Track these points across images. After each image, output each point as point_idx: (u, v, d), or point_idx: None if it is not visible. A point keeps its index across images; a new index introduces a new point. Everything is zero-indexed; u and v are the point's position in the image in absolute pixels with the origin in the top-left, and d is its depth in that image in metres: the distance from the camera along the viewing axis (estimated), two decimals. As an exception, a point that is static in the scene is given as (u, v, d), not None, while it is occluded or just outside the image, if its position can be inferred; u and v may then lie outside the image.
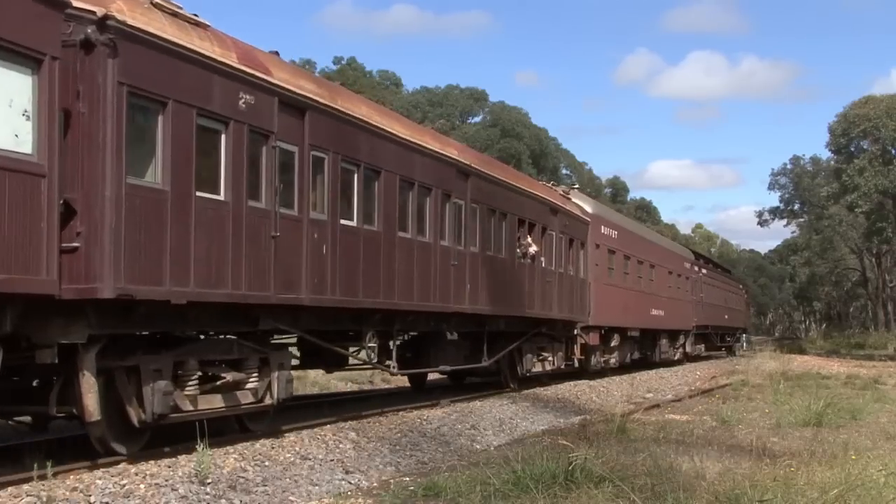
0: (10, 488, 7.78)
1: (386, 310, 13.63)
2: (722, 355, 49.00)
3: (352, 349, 14.16)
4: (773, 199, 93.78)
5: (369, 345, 13.52)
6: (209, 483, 8.54)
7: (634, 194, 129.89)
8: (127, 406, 9.21)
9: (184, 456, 9.71)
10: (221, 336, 10.98)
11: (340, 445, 11.44)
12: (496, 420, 15.29)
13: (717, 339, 48.33)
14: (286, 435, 11.86)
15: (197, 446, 9.04)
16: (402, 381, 20.56)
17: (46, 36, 7.86)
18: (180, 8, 9.68)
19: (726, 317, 50.97)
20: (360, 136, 12.79)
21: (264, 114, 10.61)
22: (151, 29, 8.91)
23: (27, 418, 10.22)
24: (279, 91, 10.91)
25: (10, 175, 7.50)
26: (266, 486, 8.80)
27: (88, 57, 8.37)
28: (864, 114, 56.73)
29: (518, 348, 19.65)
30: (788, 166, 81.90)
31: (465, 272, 16.19)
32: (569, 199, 24.47)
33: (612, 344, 26.83)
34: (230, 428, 11.23)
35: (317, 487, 9.00)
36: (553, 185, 25.75)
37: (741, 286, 64.33)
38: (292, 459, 10.23)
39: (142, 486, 8.28)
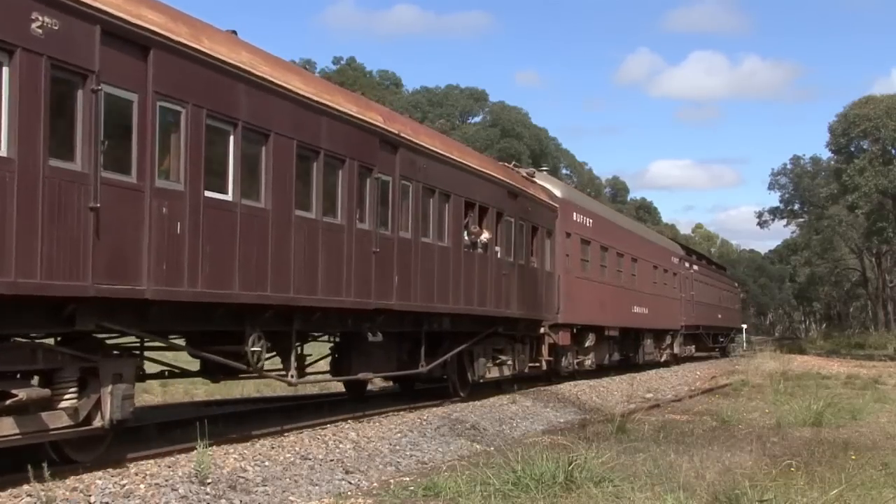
0: (10, 488, 7.78)
1: (279, 306, 11.07)
2: (715, 356, 47.91)
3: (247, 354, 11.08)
4: (774, 200, 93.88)
5: (253, 348, 10.83)
6: (209, 483, 8.54)
7: (635, 194, 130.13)
8: None
9: (184, 456, 9.71)
10: (24, 339, 8.54)
11: (340, 445, 11.44)
12: (496, 420, 15.28)
13: (710, 340, 46.19)
14: (286, 435, 11.87)
15: (197, 446, 9.04)
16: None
17: None
18: None
19: (719, 316, 48.81)
20: (237, 88, 10.21)
21: (78, 46, 8.08)
22: None
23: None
24: (103, 17, 8.31)
25: None
26: (266, 486, 8.80)
27: None
28: (864, 114, 56.72)
29: (468, 351, 17.26)
30: (788, 166, 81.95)
31: (392, 262, 13.60)
32: (533, 181, 21.62)
33: (587, 344, 24.29)
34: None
35: (317, 487, 9.00)
36: (515, 165, 22.59)
37: (736, 284, 62.10)
38: (292, 459, 10.23)
39: (142, 486, 8.28)
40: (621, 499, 7.38)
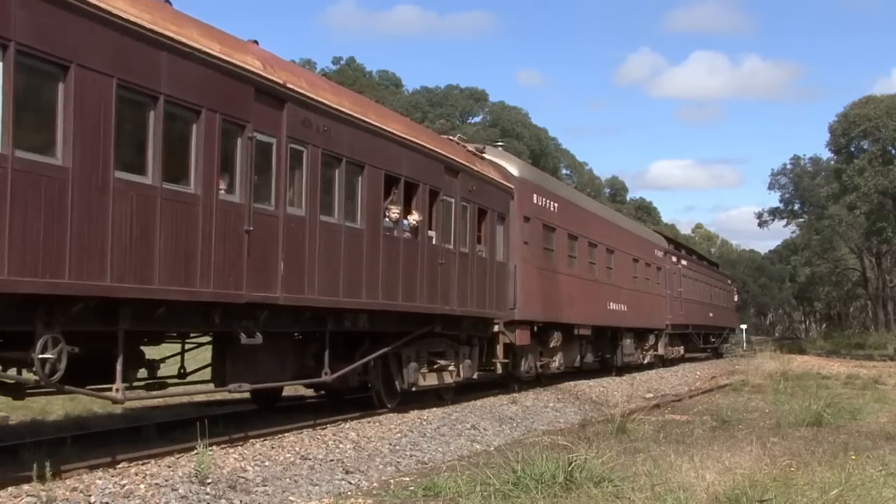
0: (10, 488, 7.78)
1: (90, 297, 8.47)
2: (708, 357, 46.43)
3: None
4: (774, 200, 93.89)
5: (42, 356, 8.08)
6: (209, 483, 8.54)
7: (636, 194, 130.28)
8: None
9: (184, 456, 9.72)
10: None
11: (340, 445, 11.45)
12: (496, 420, 15.29)
13: (700, 340, 43.20)
14: (286, 435, 11.88)
15: (197, 446, 9.05)
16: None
17: None
18: None
19: (711, 315, 45.79)
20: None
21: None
22: None
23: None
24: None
25: None
26: (266, 486, 8.81)
27: None
28: (864, 114, 56.70)
29: (395, 354, 14.66)
30: (788, 166, 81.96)
31: (275, 244, 10.82)
32: (482, 157, 18.58)
33: (553, 344, 21.47)
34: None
35: (317, 487, 9.00)
36: (460, 138, 19.03)
37: (730, 281, 58.98)
38: (292, 459, 10.24)
39: (142, 486, 8.29)
40: (621, 499, 7.38)
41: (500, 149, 22.29)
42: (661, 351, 34.03)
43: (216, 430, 10.56)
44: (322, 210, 11.89)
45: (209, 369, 11.78)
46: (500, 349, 18.71)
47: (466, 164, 16.78)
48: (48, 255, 7.83)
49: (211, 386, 11.76)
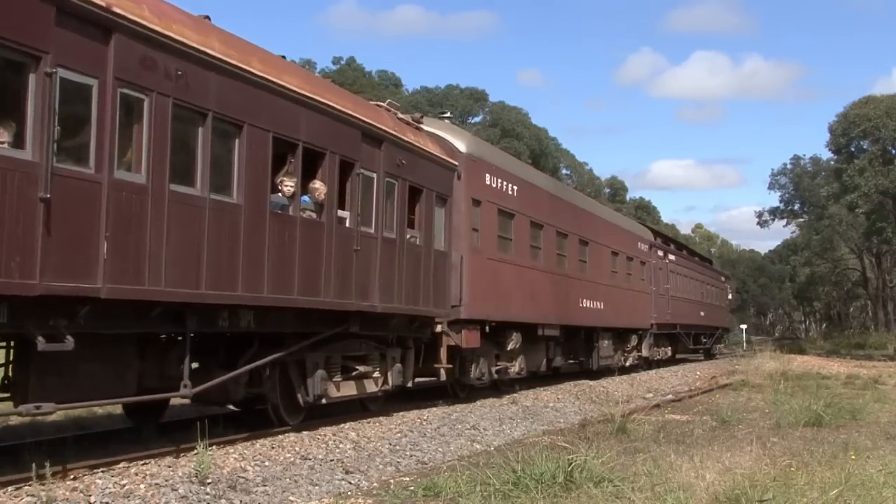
0: (10, 488, 7.78)
1: None
2: (698, 358, 44.93)
3: None
4: (774, 200, 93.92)
5: None
6: (209, 483, 8.55)
7: (637, 194, 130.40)
8: None
9: (184, 456, 9.73)
10: None
11: (340, 445, 11.46)
12: (496, 420, 15.29)
13: (690, 341, 40.58)
14: (286, 435, 11.88)
15: (197, 446, 9.05)
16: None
17: None
18: None
19: (702, 314, 43.21)
20: None
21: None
22: None
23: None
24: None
25: None
26: (266, 486, 8.81)
27: None
28: (864, 114, 56.68)
29: (297, 360, 12.15)
30: (789, 166, 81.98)
31: (95, 220, 8.29)
32: (418, 128, 15.79)
33: (511, 346, 18.91)
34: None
35: (317, 487, 9.00)
36: (389, 104, 15.38)
37: (723, 278, 55.82)
38: (292, 459, 10.24)
39: (142, 486, 8.29)
40: (621, 499, 7.38)
41: (446, 121, 19.10)
42: (645, 352, 31.64)
43: (216, 429, 10.57)
44: (175, 178, 9.25)
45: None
46: (443, 352, 16.12)
47: (394, 132, 13.98)
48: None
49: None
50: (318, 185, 11.94)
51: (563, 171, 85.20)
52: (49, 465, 7.85)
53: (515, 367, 19.78)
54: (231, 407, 12.89)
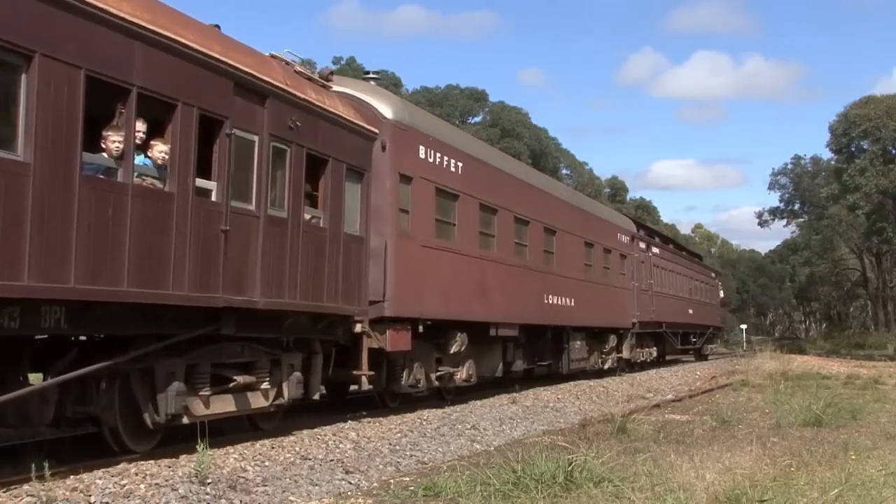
0: (10, 488, 7.78)
1: None
2: (689, 360, 43.53)
3: None
4: (775, 200, 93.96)
5: None
6: (209, 483, 8.55)
7: (638, 194, 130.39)
8: None
9: (184, 456, 9.74)
10: None
11: (340, 445, 11.46)
12: (496, 420, 15.28)
13: (678, 341, 38.32)
14: (286, 435, 11.89)
15: (197, 446, 9.05)
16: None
17: None
18: None
19: (690, 312, 40.68)
20: None
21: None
22: None
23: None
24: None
25: None
26: (266, 486, 8.81)
27: None
28: (864, 114, 56.70)
29: (144, 371, 9.57)
30: (789, 166, 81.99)
31: None
32: (326, 85, 12.96)
33: (455, 349, 16.44)
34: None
35: (317, 487, 9.00)
36: (285, 53, 12.46)
37: (713, 275, 53.10)
38: (292, 459, 10.25)
39: (142, 486, 8.29)
40: (621, 499, 7.38)
41: (371, 84, 16.12)
42: (626, 353, 28.95)
43: (216, 430, 10.57)
44: None
45: None
46: (364, 357, 13.61)
47: (284, 87, 11.22)
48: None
49: None
50: (158, 145, 9.28)
51: (564, 171, 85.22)
52: (49, 465, 7.85)
53: (462, 373, 17.15)
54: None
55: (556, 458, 8.36)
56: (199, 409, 10.32)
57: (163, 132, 9.44)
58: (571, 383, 23.66)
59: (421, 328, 15.01)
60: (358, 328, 13.53)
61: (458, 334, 16.50)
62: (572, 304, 22.91)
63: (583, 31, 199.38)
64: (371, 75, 17.54)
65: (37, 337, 8.77)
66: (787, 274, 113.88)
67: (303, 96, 11.79)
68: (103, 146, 8.70)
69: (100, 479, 8.42)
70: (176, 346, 9.87)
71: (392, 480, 9.19)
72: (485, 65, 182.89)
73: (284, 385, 11.92)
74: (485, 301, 17.51)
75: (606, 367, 27.27)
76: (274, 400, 11.73)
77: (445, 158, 16.25)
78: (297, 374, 12.17)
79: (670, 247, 41.00)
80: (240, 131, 10.40)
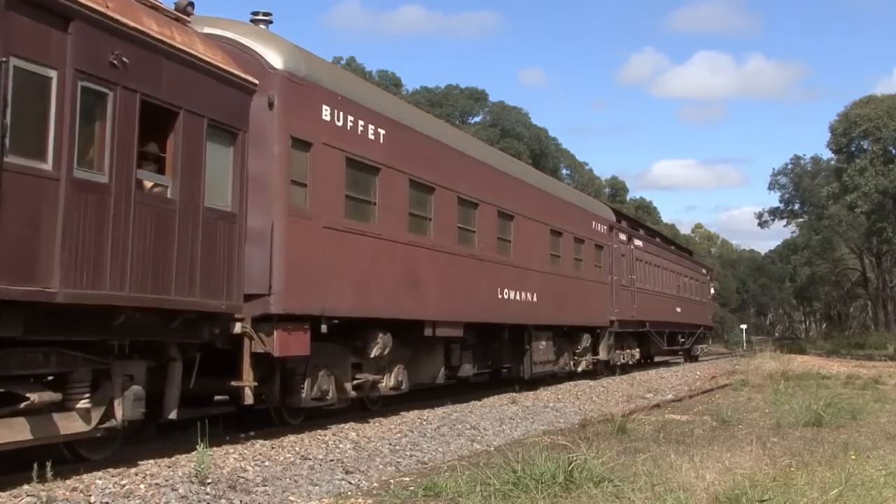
0: (10, 488, 7.78)
1: None
2: (677, 361, 41.30)
3: None
4: (775, 200, 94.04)
5: None
6: (209, 483, 8.55)
7: (638, 194, 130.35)
8: None
9: (184, 456, 9.74)
10: None
11: (340, 445, 11.46)
12: (496, 420, 15.28)
13: (664, 341, 35.33)
14: (286, 435, 11.90)
15: (197, 446, 9.05)
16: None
17: None
18: None
19: (678, 310, 37.75)
20: None
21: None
22: None
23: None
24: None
25: None
26: (266, 486, 8.81)
27: None
28: (864, 114, 56.78)
29: None
30: (789, 166, 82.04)
31: None
32: (178, 18, 10.20)
33: (376, 352, 13.60)
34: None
35: (317, 487, 9.00)
36: None
37: (704, 271, 49.48)
38: (292, 459, 10.25)
39: (142, 486, 8.30)
40: (621, 499, 7.38)
41: (261, 27, 12.64)
42: (603, 355, 26.22)
43: (216, 430, 10.58)
44: None
45: None
46: (245, 364, 10.98)
47: (102, 9, 8.47)
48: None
49: None
50: None
51: (564, 171, 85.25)
52: (49, 465, 7.85)
53: (390, 380, 14.60)
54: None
55: (556, 458, 8.36)
56: None
57: None
58: (571, 383, 23.64)
59: (325, 328, 12.19)
60: (237, 328, 10.91)
61: (381, 335, 13.72)
62: (534, 299, 20.08)
63: (584, 31, 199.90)
64: (261, 17, 12.89)
65: None
66: (787, 274, 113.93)
67: (134, 25, 8.93)
68: None
69: (100, 479, 8.42)
70: None
71: (392, 480, 9.19)
72: (486, 64, 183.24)
73: (117, 403, 9.07)
74: (417, 295, 14.68)
75: (580, 369, 24.67)
76: (101, 423, 8.91)
77: (361, 123, 13.39)
78: (137, 388, 9.28)
79: (657, 240, 37.71)
80: (22, 61, 7.62)
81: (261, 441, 11.25)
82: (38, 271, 7.79)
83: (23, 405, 7.98)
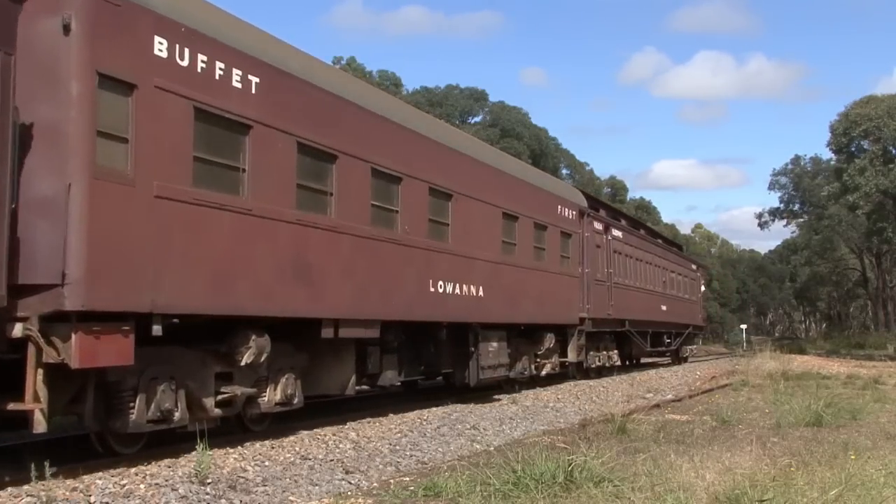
0: (10, 488, 7.79)
1: None
2: (664, 362, 38.62)
3: None
4: (776, 200, 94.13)
5: None
6: (209, 483, 8.55)
7: (639, 194, 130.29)
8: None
9: (184, 456, 9.75)
10: None
11: (340, 445, 11.46)
12: (496, 420, 15.28)
13: (647, 342, 32.06)
14: (286, 435, 11.90)
15: (197, 446, 9.06)
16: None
17: None
18: None
19: (664, 308, 34.69)
20: None
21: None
22: None
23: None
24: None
25: None
26: (266, 486, 8.81)
27: None
28: (865, 113, 56.72)
29: None
30: (789, 166, 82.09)
31: None
32: None
33: (248, 359, 10.75)
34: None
35: (317, 487, 9.00)
36: None
37: (694, 267, 45.60)
38: (292, 459, 10.25)
39: (142, 486, 8.30)
40: (621, 499, 7.38)
41: None
42: (572, 357, 23.16)
43: (216, 430, 10.58)
44: None
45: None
46: (31, 379, 8.18)
47: None
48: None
49: None
50: None
51: (564, 171, 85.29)
52: (49, 465, 7.85)
53: (275, 394, 11.75)
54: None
55: (556, 458, 8.36)
56: None
57: None
58: (571, 383, 23.61)
59: (158, 329, 9.31)
60: (17, 331, 8.18)
61: (254, 337, 10.76)
62: (481, 293, 17.04)
63: (585, 31, 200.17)
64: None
65: None
66: (787, 274, 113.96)
67: None
68: None
69: (100, 479, 8.42)
70: None
71: (392, 480, 9.19)
72: (487, 64, 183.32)
73: None
74: (310, 288, 11.72)
75: (544, 373, 21.90)
76: None
77: (221, 66, 10.36)
78: None
79: (641, 232, 34.73)
80: None
81: (261, 441, 11.25)
82: None
83: None
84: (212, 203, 10.08)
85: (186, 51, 9.86)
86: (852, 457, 9.87)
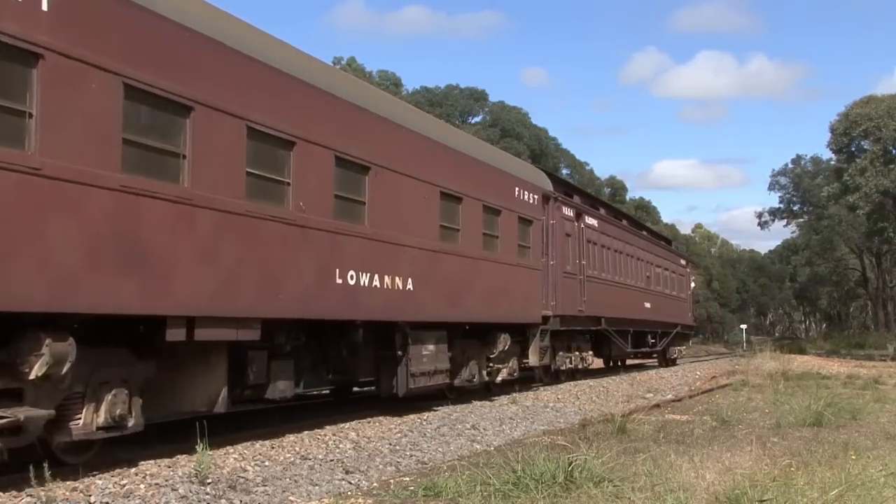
0: (10, 488, 7.78)
1: None
2: (651, 364, 36.23)
3: None
4: (776, 200, 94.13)
5: None
6: (209, 483, 8.55)
7: (639, 194, 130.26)
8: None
9: (184, 456, 9.74)
10: None
11: (340, 445, 11.46)
12: (496, 420, 15.28)
13: (628, 342, 29.15)
14: (286, 435, 11.90)
15: (197, 446, 9.06)
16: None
17: None
18: None
19: (647, 305, 31.63)
20: None
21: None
22: None
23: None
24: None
25: None
26: (266, 486, 8.81)
27: None
28: (865, 113, 56.75)
29: None
30: (790, 166, 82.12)
31: None
32: None
33: (40, 371, 7.76)
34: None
35: (317, 487, 9.00)
36: None
37: (683, 262, 41.93)
38: (292, 459, 10.25)
39: (142, 486, 8.30)
40: (621, 499, 7.38)
41: None
42: (533, 359, 20.14)
43: (216, 429, 10.58)
44: None
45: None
46: None
47: None
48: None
49: None
50: None
51: (564, 171, 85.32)
52: (48, 465, 7.85)
53: (97, 416, 8.97)
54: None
55: (556, 458, 8.36)
56: None
57: None
58: (571, 383, 23.57)
59: None
60: None
61: (48, 342, 7.92)
62: (410, 286, 14.19)
63: (587, 31, 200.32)
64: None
65: None
66: (788, 274, 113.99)
67: None
68: None
69: (100, 479, 8.42)
70: None
71: (392, 480, 9.19)
72: (488, 64, 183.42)
73: None
74: (145, 278, 8.88)
75: (499, 380, 18.92)
76: None
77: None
78: None
79: (623, 222, 31.73)
80: None
81: (261, 441, 11.26)
82: None
83: None
84: (55, 176, 7.76)
85: None
86: (852, 457, 9.87)
